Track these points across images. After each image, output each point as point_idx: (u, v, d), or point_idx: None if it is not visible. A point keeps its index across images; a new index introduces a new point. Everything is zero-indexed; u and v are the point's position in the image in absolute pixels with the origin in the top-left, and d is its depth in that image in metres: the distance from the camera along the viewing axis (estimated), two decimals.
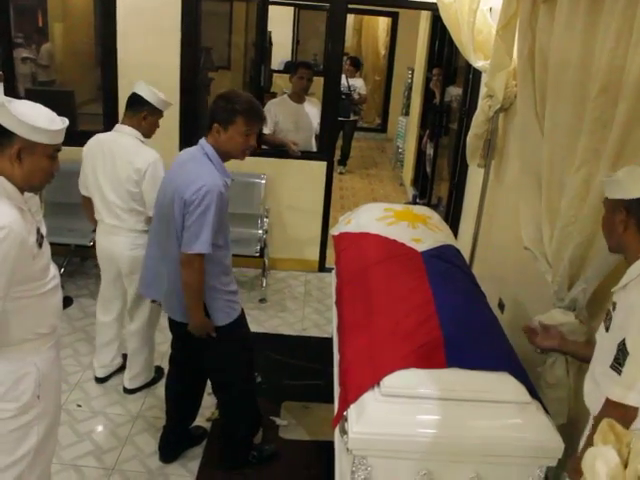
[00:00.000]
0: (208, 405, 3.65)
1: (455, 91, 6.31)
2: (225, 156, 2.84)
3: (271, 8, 5.27)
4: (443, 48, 6.81)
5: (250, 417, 3.30)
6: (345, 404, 2.40)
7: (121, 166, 3.44)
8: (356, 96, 9.06)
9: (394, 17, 11.11)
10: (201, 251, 2.70)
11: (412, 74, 9.34)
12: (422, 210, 4.10)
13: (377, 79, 12.35)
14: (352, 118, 9.18)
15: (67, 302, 4.64)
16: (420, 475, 2.30)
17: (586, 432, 2.15)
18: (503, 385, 2.39)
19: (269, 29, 5.60)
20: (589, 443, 1.69)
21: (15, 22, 5.57)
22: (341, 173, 9.19)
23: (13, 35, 5.38)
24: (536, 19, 3.01)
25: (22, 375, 2.24)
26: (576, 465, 1.80)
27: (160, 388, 3.77)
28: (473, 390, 2.37)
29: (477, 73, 4.72)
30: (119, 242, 3.58)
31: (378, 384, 2.36)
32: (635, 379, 1.81)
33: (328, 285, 5.18)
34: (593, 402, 2.07)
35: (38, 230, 2.21)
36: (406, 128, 9.34)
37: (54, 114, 2.19)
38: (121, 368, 3.98)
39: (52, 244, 2.40)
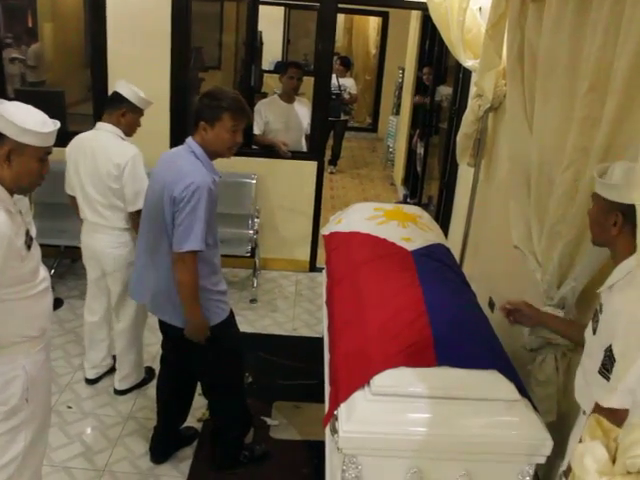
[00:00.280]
0: (199, 406, 3.65)
1: (445, 90, 6.33)
2: (212, 154, 2.84)
3: (261, 8, 5.28)
4: (433, 47, 6.82)
5: (241, 417, 3.29)
6: (335, 403, 2.40)
7: (101, 162, 3.45)
8: (347, 96, 9.07)
9: (384, 17, 11.13)
10: (193, 248, 2.68)
11: (403, 73, 9.34)
12: (412, 209, 4.11)
13: (368, 79, 12.37)
14: (343, 118, 9.18)
15: (57, 303, 4.63)
16: (410, 473, 2.31)
17: (575, 429, 2.16)
18: (492, 383, 2.40)
19: (260, 29, 5.61)
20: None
21: (4, 22, 5.55)
22: (332, 173, 9.19)
23: (2, 35, 5.36)
24: (525, 18, 3.02)
25: (10, 378, 2.23)
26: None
27: (151, 389, 3.76)
28: (463, 388, 2.38)
29: (467, 72, 4.73)
30: (101, 240, 3.59)
31: (368, 383, 2.37)
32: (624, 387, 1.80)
33: (319, 285, 5.18)
34: (584, 397, 2.09)
35: (27, 232, 2.20)
36: (397, 128, 9.35)
37: (46, 116, 2.18)
38: (112, 369, 3.96)
39: (42, 245, 2.39)
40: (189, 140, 2.83)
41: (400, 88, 9.53)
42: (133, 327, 3.78)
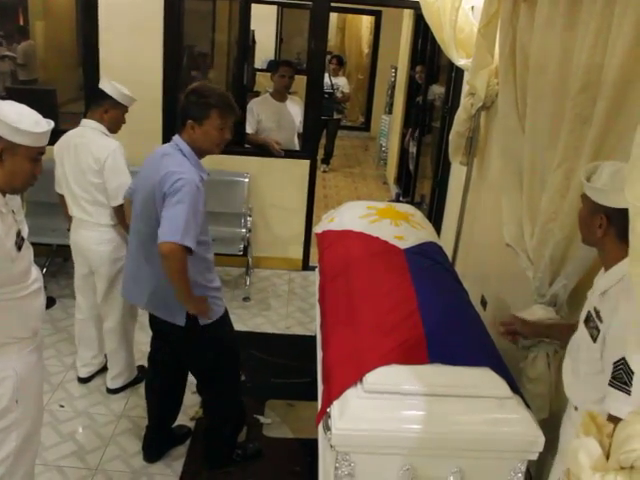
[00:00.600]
0: (192, 404, 3.65)
1: (438, 89, 6.34)
2: (201, 152, 2.84)
3: (254, 6, 5.27)
4: (426, 46, 6.83)
5: (234, 416, 3.29)
6: (328, 401, 2.40)
7: (82, 158, 3.47)
8: (339, 95, 9.07)
9: (377, 15, 11.13)
10: (178, 241, 2.59)
11: (395, 72, 9.35)
12: (405, 208, 4.12)
13: (360, 77, 12.37)
14: (335, 117, 9.19)
15: (50, 302, 4.61)
16: (403, 470, 2.31)
17: (565, 424, 2.17)
18: (485, 380, 2.41)
19: (252, 27, 5.59)
20: None
21: None
22: (324, 172, 9.19)
23: None
24: (517, 18, 3.03)
25: (0, 380, 2.22)
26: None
27: (143, 388, 3.75)
28: (455, 386, 2.38)
29: (459, 71, 4.74)
30: (87, 236, 3.60)
31: (361, 381, 2.37)
32: None
33: (312, 283, 5.18)
34: (574, 393, 2.10)
35: (18, 233, 2.18)
36: (389, 126, 9.36)
37: (39, 116, 2.15)
38: (104, 368, 3.95)
39: (34, 244, 2.37)
40: (176, 138, 2.82)
41: (393, 87, 9.54)
42: (121, 325, 3.77)
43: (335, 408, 2.35)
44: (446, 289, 3.10)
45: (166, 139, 5.07)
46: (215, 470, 3.28)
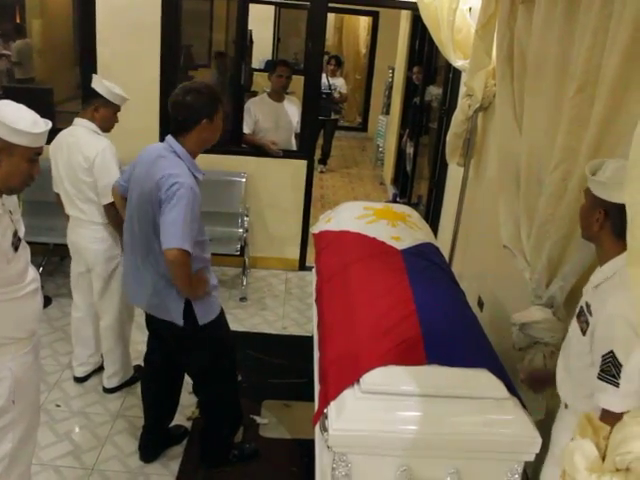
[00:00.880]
0: (188, 404, 3.65)
1: (435, 90, 6.34)
2: (201, 149, 2.85)
3: (252, 6, 5.27)
4: (423, 47, 6.84)
5: (231, 416, 3.29)
6: (325, 401, 2.40)
7: (73, 156, 3.48)
8: (337, 95, 9.07)
9: (375, 16, 11.14)
10: (181, 246, 2.63)
11: (393, 73, 9.35)
12: (402, 208, 4.12)
13: (358, 78, 12.38)
14: (333, 117, 9.19)
15: (46, 302, 4.55)
16: (400, 471, 2.31)
17: (557, 422, 2.18)
18: (482, 381, 2.41)
19: (250, 27, 5.59)
20: None
21: None
22: (322, 172, 9.20)
23: None
24: (515, 19, 3.03)
25: None
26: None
27: (140, 387, 3.75)
28: (452, 387, 2.38)
29: (457, 72, 4.75)
30: (82, 235, 3.62)
31: (358, 381, 2.37)
32: (634, 389, 1.80)
33: (308, 283, 5.18)
34: (565, 389, 2.12)
35: (15, 233, 2.16)
36: (386, 127, 9.35)
37: (37, 116, 2.14)
38: (100, 368, 3.94)
39: (31, 243, 2.36)
40: (169, 139, 2.82)
41: (390, 88, 9.54)
42: (118, 325, 3.76)
43: (332, 409, 2.34)
44: (443, 290, 3.10)
45: (163, 137, 5.06)
46: (211, 470, 3.27)
